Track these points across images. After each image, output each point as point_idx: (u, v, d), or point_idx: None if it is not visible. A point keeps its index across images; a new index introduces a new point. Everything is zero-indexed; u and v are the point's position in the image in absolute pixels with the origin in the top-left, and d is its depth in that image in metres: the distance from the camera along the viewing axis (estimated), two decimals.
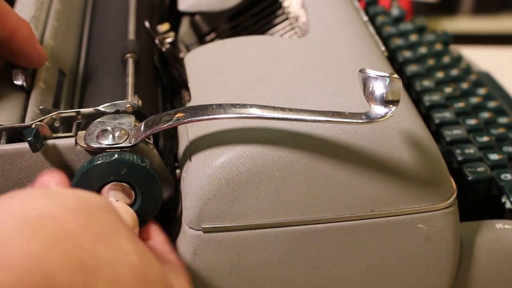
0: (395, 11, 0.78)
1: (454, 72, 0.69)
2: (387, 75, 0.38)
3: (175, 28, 0.67)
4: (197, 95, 0.49)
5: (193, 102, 0.48)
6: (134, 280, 0.32)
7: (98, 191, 0.42)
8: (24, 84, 0.48)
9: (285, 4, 0.63)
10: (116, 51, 0.53)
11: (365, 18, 0.60)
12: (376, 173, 0.43)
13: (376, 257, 0.45)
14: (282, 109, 0.41)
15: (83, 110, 0.45)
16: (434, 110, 0.61)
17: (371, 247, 0.44)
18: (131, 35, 0.55)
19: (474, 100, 0.65)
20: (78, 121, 0.46)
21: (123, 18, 0.58)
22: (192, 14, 0.68)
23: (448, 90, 0.65)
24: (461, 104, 0.63)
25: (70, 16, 0.60)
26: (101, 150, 0.42)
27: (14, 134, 0.43)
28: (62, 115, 0.45)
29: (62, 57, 0.54)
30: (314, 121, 0.40)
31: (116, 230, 0.33)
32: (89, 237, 0.32)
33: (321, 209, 0.43)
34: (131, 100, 0.46)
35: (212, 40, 0.67)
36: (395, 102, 0.39)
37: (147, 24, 0.58)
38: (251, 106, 0.41)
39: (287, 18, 0.62)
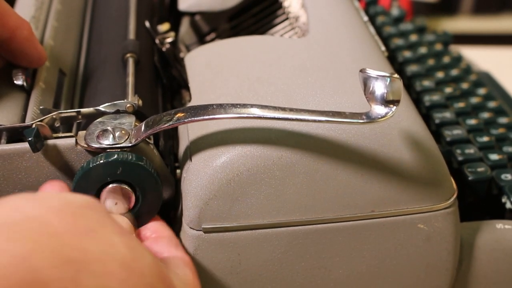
0: (395, 11, 0.78)
1: (454, 72, 0.69)
2: (387, 75, 0.38)
3: (175, 28, 0.67)
4: (197, 95, 0.49)
5: (193, 102, 0.48)
6: (124, 272, 0.32)
7: (98, 191, 0.42)
8: (25, 84, 0.48)
9: (285, 4, 0.63)
10: (116, 51, 0.53)
11: (365, 18, 0.60)
12: (377, 173, 0.43)
13: (376, 257, 0.45)
14: (283, 109, 0.41)
15: (83, 110, 0.45)
16: (434, 110, 0.61)
17: (371, 247, 0.44)
18: (131, 35, 0.55)
19: (474, 100, 0.65)
20: (78, 121, 0.46)
21: (123, 18, 0.58)
22: (192, 14, 0.68)
23: (448, 90, 0.65)
24: (461, 104, 0.63)
25: (70, 16, 0.60)
26: (102, 150, 0.42)
27: (15, 134, 0.43)
28: (63, 115, 0.45)
29: (62, 57, 0.54)
30: (314, 121, 0.40)
31: (103, 225, 0.33)
32: (75, 233, 0.32)
33: (322, 209, 0.43)
34: (132, 100, 0.46)
35: (212, 40, 0.67)
36: (395, 102, 0.39)
37: (147, 24, 0.58)
38: (252, 106, 0.41)
39: (287, 18, 0.62)
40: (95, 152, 0.42)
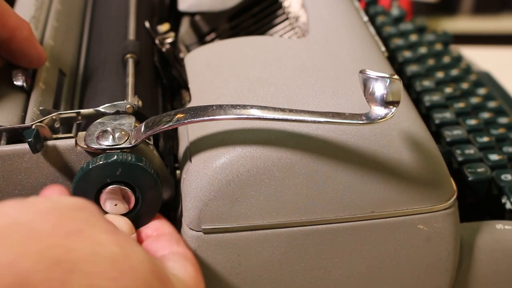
0: (395, 11, 0.78)
1: (454, 72, 0.69)
2: (387, 76, 0.38)
3: (175, 28, 0.67)
4: (197, 96, 0.49)
5: (193, 103, 0.48)
6: (115, 270, 0.32)
7: (98, 192, 0.42)
8: (24, 84, 0.48)
9: (285, 4, 0.63)
10: (116, 51, 0.53)
11: (365, 18, 0.60)
12: (376, 174, 0.43)
13: (376, 258, 0.45)
14: (282, 110, 0.41)
15: (83, 111, 0.45)
16: (434, 110, 0.61)
17: (371, 248, 0.44)
18: (131, 35, 0.55)
19: (474, 100, 0.65)
20: (78, 122, 0.46)
21: (123, 18, 0.58)
22: (192, 14, 0.68)
23: (448, 90, 0.65)
24: (461, 104, 0.63)
25: (70, 16, 0.60)
26: (101, 151, 0.42)
27: (14, 135, 0.43)
28: (62, 115, 0.45)
29: (62, 57, 0.54)
30: (314, 122, 0.40)
31: (92, 225, 0.33)
32: (62, 235, 0.32)
33: (321, 210, 0.43)
34: (131, 100, 0.46)
35: (212, 40, 0.67)
36: (395, 103, 0.39)
37: (147, 24, 0.58)
38: (251, 107, 0.41)
39: (287, 18, 0.62)
40: (95, 153, 0.42)
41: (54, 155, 0.43)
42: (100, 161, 0.41)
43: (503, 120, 0.63)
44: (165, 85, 0.56)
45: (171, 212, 0.47)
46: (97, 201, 0.42)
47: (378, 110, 0.39)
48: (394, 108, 0.39)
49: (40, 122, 0.43)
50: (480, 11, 1.59)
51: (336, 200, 0.43)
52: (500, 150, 0.58)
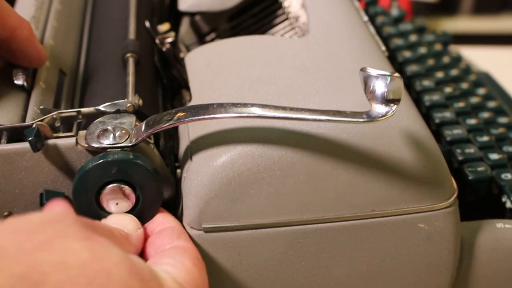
0: (394, 11, 0.78)
1: (454, 72, 0.69)
2: (388, 74, 0.38)
3: (175, 28, 0.67)
4: (198, 95, 0.49)
5: (193, 102, 0.48)
6: (85, 275, 0.32)
7: (98, 192, 0.42)
8: (25, 84, 0.48)
9: (285, 4, 0.63)
10: (116, 50, 0.53)
11: (365, 18, 0.60)
12: (377, 173, 0.43)
13: (376, 257, 0.45)
14: (283, 108, 0.41)
15: (83, 110, 0.45)
16: (434, 110, 0.62)
17: (371, 246, 0.44)
18: (132, 35, 0.55)
19: (474, 100, 0.65)
20: (78, 121, 0.46)
21: (123, 18, 0.58)
22: (192, 14, 0.68)
23: (448, 90, 0.65)
24: (461, 104, 0.63)
25: (70, 16, 0.60)
26: (102, 149, 0.42)
27: (15, 134, 0.43)
28: (63, 114, 0.45)
29: (63, 57, 0.54)
30: (315, 120, 0.40)
31: (62, 236, 0.33)
32: (29, 250, 0.32)
33: (322, 209, 0.43)
34: (132, 99, 0.46)
35: (212, 40, 0.67)
36: (396, 101, 0.39)
37: (147, 24, 0.58)
38: (252, 105, 0.41)
39: (287, 18, 0.62)
40: (95, 152, 0.42)
41: (54, 154, 0.43)
42: (98, 160, 0.41)
43: (503, 119, 0.63)
44: (165, 85, 0.56)
45: (172, 211, 0.47)
46: (98, 201, 0.42)
47: (379, 108, 0.39)
48: (395, 106, 0.39)
49: (41, 121, 0.43)
50: (480, 11, 1.59)
51: (336, 198, 0.43)
52: (500, 149, 0.58)
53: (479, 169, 0.54)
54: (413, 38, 0.73)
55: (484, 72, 0.77)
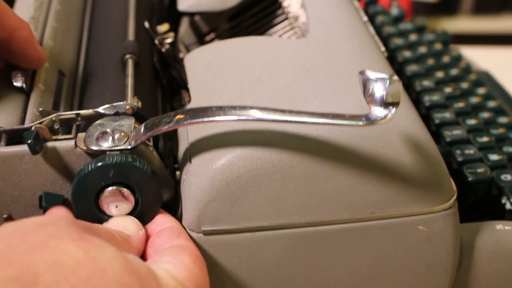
0: (394, 11, 0.78)
1: (454, 71, 0.69)
2: (386, 76, 0.38)
3: (174, 28, 0.67)
4: (197, 96, 0.49)
5: (193, 103, 0.48)
6: (79, 274, 0.32)
7: (97, 195, 0.42)
8: (24, 85, 0.47)
9: (285, 4, 0.63)
10: (115, 52, 0.53)
11: (365, 18, 0.60)
12: (376, 175, 0.43)
13: (376, 259, 0.45)
14: (282, 111, 0.41)
15: (82, 112, 0.45)
16: (434, 110, 0.61)
17: (371, 248, 0.44)
18: (131, 35, 0.55)
19: (474, 100, 0.65)
20: (77, 123, 0.46)
21: (122, 18, 0.58)
22: (191, 14, 0.68)
23: (448, 90, 0.65)
24: (461, 104, 0.63)
25: (69, 16, 0.60)
26: (101, 152, 0.42)
27: (14, 137, 0.43)
28: (62, 117, 0.45)
29: (62, 58, 0.54)
30: (314, 123, 0.40)
31: (55, 237, 0.33)
32: (22, 252, 0.32)
33: (322, 211, 0.43)
34: (131, 101, 0.46)
35: (211, 40, 0.67)
36: (395, 104, 0.39)
37: (146, 24, 0.58)
38: (251, 108, 0.41)
39: (286, 18, 0.62)
40: (94, 155, 0.42)
41: (53, 157, 0.43)
42: (96, 164, 0.41)
43: (503, 119, 0.63)
44: (164, 86, 0.56)
45: (171, 212, 0.47)
46: (97, 204, 0.42)
47: (378, 111, 0.39)
48: (394, 109, 0.39)
49: (40, 123, 0.43)
50: (480, 11, 1.59)
51: (336, 201, 0.43)
52: (500, 150, 0.58)
53: (479, 170, 0.54)
54: (413, 37, 0.73)
55: (484, 71, 0.76)
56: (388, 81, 0.38)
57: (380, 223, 0.44)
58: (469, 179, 0.54)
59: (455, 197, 0.45)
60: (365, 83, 0.39)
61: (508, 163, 0.56)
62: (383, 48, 0.55)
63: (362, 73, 0.39)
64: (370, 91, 0.39)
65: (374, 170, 0.43)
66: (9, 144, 0.43)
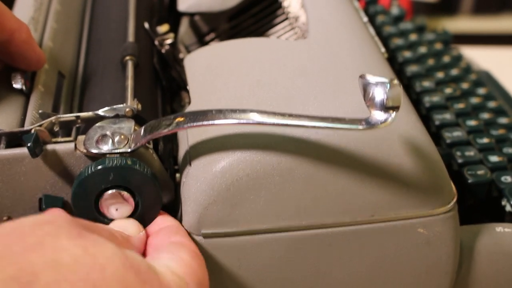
0: (395, 11, 0.78)
1: (454, 71, 0.69)
2: (387, 81, 0.38)
3: (174, 28, 0.67)
4: (197, 98, 0.49)
5: (192, 105, 0.48)
6: (78, 272, 0.32)
7: (97, 198, 0.42)
8: (23, 87, 0.47)
9: (285, 4, 0.63)
10: (115, 53, 0.53)
11: (365, 19, 0.60)
12: (376, 178, 0.43)
13: (376, 262, 0.45)
14: (282, 115, 0.40)
15: (82, 115, 0.45)
16: (434, 111, 0.61)
17: (371, 252, 0.44)
18: (131, 37, 0.55)
19: (474, 100, 0.65)
20: (77, 125, 0.46)
21: (122, 19, 0.58)
22: (191, 15, 0.67)
23: (448, 90, 0.65)
24: (461, 105, 0.63)
25: (69, 17, 0.59)
26: (101, 155, 0.42)
27: (14, 139, 0.43)
28: (62, 119, 0.45)
29: (61, 59, 0.54)
30: (314, 127, 0.40)
31: (53, 236, 0.33)
32: (19, 251, 0.32)
33: (321, 214, 0.43)
34: (131, 104, 0.46)
35: (211, 40, 0.67)
36: (395, 108, 0.39)
37: (146, 25, 0.58)
38: (251, 111, 0.41)
39: (286, 18, 0.62)
40: (94, 157, 0.42)
41: (53, 159, 0.43)
42: (96, 167, 0.41)
43: (503, 120, 0.63)
44: (164, 87, 0.56)
45: (171, 215, 0.47)
46: (97, 207, 0.42)
47: (378, 115, 0.39)
48: (394, 113, 0.39)
49: (40, 126, 0.43)
50: (480, 11, 1.59)
51: (336, 204, 0.43)
52: (500, 151, 0.58)
53: (479, 172, 0.54)
54: (413, 37, 0.73)
55: (485, 71, 0.76)
56: (388, 85, 0.38)
57: (380, 226, 0.44)
58: (469, 181, 0.53)
59: (455, 200, 0.45)
60: (365, 87, 0.39)
61: (508, 164, 0.56)
62: (383, 49, 0.55)
63: (362, 77, 0.39)
64: (370, 95, 0.39)
65: (374, 173, 0.43)
66: (8, 147, 0.43)
